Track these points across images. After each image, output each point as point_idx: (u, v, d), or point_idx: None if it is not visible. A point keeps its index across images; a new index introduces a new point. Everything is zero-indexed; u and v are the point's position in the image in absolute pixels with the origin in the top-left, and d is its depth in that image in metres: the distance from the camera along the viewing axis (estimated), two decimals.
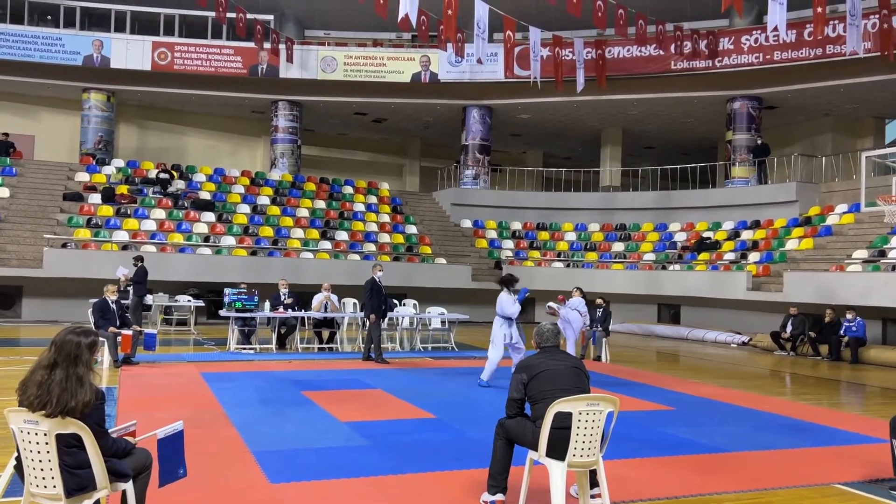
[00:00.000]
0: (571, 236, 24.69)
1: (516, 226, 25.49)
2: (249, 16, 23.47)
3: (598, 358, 13.62)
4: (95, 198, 21.04)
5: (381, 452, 6.23)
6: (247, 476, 5.40)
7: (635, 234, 24.10)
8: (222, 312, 13.14)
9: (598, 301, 14.20)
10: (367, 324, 12.32)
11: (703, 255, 21.17)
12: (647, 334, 20.24)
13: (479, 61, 22.46)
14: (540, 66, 21.96)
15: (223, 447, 6.23)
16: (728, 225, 22.65)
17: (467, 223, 25.16)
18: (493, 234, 24.81)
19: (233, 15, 22.86)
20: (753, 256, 20.02)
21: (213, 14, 23.12)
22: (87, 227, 19.58)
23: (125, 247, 18.69)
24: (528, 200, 26.04)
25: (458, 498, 5.09)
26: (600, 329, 13.74)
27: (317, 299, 13.77)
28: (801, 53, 21.69)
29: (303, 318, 13.67)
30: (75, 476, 3.47)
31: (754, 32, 22.50)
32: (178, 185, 22.89)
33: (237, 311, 12.85)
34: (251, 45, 24.42)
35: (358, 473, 5.58)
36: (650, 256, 22.48)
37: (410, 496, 5.14)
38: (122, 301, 14.87)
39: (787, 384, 12.12)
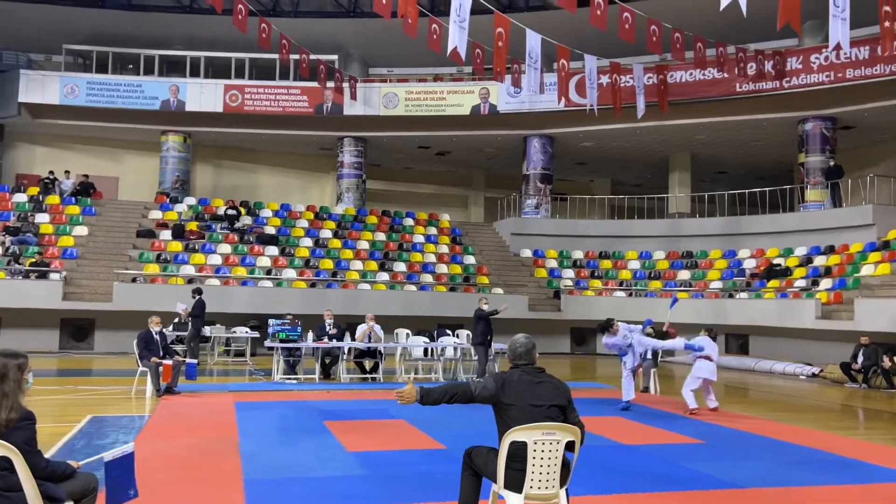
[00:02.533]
0: (635, 264, 24.11)
1: (578, 255, 25.11)
2: (313, 57, 24.26)
3: (646, 389, 13.17)
4: (166, 234, 22.03)
5: (375, 483, 6.19)
6: (225, 503, 5.46)
7: (702, 262, 23.32)
8: (267, 343, 13.44)
9: (648, 330, 13.75)
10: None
11: (773, 283, 20.25)
12: None
13: (541, 90, 22.41)
14: (597, 94, 21.73)
15: (218, 474, 6.32)
16: (801, 251, 21.62)
17: (527, 253, 24.96)
18: (553, 264, 24.51)
19: (296, 56, 23.68)
20: (825, 283, 19.01)
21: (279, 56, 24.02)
22: (156, 262, 20.50)
23: (190, 280, 19.44)
24: (591, 229, 25.63)
25: None
26: (649, 359, 13.29)
27: (360, 329, 13.90)
28: (876, 70, 20.75)
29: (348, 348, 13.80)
30: (7, 499, 3.59)
31: (824, 51, 21.63)
32: (245, 220, 23.70)
33: (281, 341, 13.11)
34: (316, 84, 25.22)
35: (339, 503, 5.55)
36: (717, 284, 21.68)
37: None
38: (179, 333, 15.51)
39: (851, 418, 11.38)
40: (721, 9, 15.40)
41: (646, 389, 13.18)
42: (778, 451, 8.08)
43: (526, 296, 21.67)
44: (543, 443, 4.36)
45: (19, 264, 18.36)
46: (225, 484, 5.98)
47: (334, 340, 13.70)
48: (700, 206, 28.43)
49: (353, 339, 14.25)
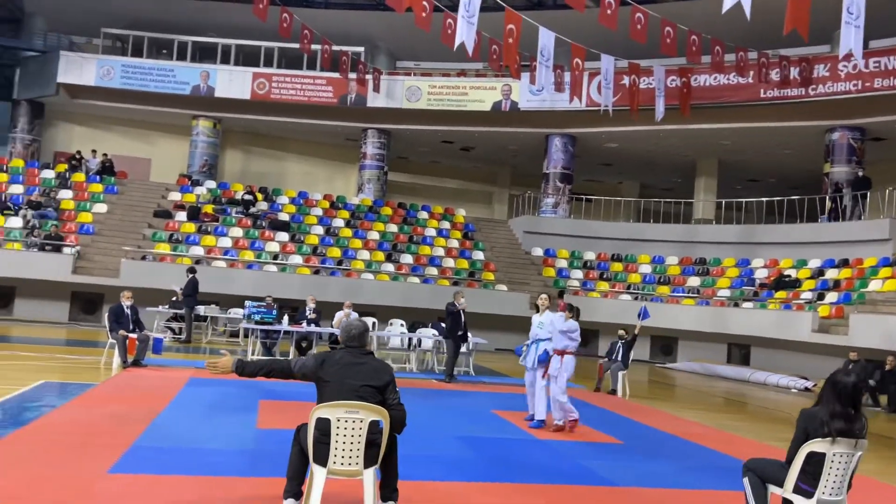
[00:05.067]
0: (647, 268, 23.81)
1: (590, 256, 24.90)
2: (336, 47, 24.60)
3: (613, 391, 13.08)
4: (182, 215, 22.70)
5: (251, 457, 6.42)
6: (92, 465, 5.71)
7: (714, 270, 22.89)
8: (242, 325, 13.81)
9: (620, 332, 13.71)
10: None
11: (780, 294, 19.79)
12: (709, 374, 19.12)
13: (559, 89, 22.44)
14: (612, 94, 21.54)
15: (109, 440, 6.60)
16: (814, 263, 21.04)
17: (539, 251, 24.88)
18: (563, 264, 24.38)
19: (318, 47, 24.06)
20: (831, 297, 18.49)
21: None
22: (168, 241, 21.16)
23: (198, 261, 20.01)
24: (607, 231, 25.33)
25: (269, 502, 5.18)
26: (618, 361, 13.23)
27: (337, 316, 14.17)
28: None
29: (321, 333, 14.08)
30: None
31: (852, 59, 20.96)
32: (261, 206, 24.25)
33: (256, 323, 13.46)
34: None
35: (200, 472, 5.79)
36: (725, 293, 21.28)
37: (212, 495, 5.28)
38: (176, 311, 16.05)
39: None
40: (723, 11, 15.16)
41: (613, 392, 13.10)
42: (690, 455, 8.02)
43: (528, 294, 21.63)
44: (346, 420, 4.51)
45: (35, 237, 19.22)
46: (107, 448, 6.25)
47: (312, 325, 14.00)
48: (727, 214, 27.91)
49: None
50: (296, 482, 4.93)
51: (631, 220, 28.43)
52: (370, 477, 4.61)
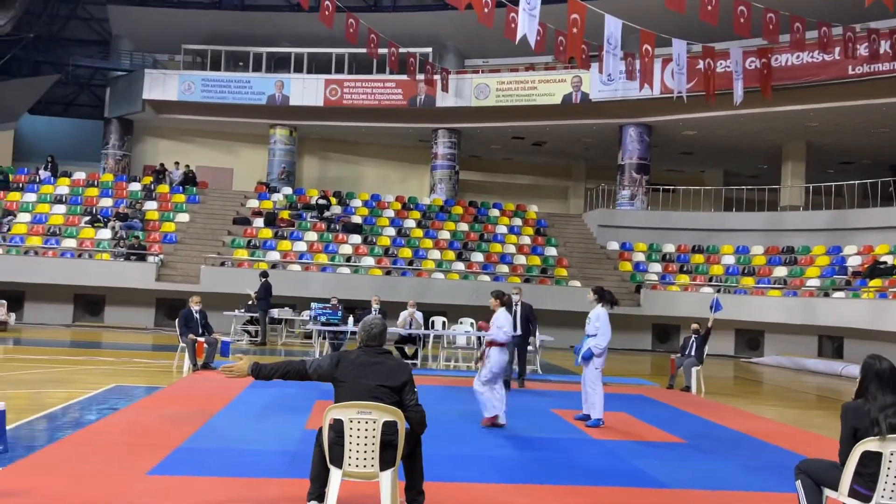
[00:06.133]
0: (730, 259, 22.82)
1: (669, 248, 24.07)
2: (403, 49, 24.71)
3: (687, 388, 12.54)
4: (260, 222, 23.31)
5: (291, 458, 6.42)
6: (135, 467, 5.84)
7: (803, 258, 21.71)
8: (309, 326, 14.00)
9: (694, 326, 13.12)
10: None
11: (875, 282, 18.56)
12: (797, 369, 18.14)
13: (630, 77, 21.78)
14: (686, 80, 20.75)
15: (158, 440, 6.75)
16: None
17: (614, 245, 24.25)
18: (640, 257, 23.66)
19: (385, 50, 24.22)
20: None
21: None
22: (246, 248, 21.76)
23: (274, 265, 20.49)
24: (686, 221, 24.41)
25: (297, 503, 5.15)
26: (692, 357, 12.68)
27: (402, 316, 14.18)
28: None
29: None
30: None
31: None
32: (335, 209, 24.63)
33: (322, 325, 13.63)
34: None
35: (236, 473, 5.83)
36: (815, 283, 20.14)
37: (241, 496, 5.29)
38: (252, 315, 16.43)
39: None
40: None
41: (686, 389, 12.56)
42: (757, 455, 7.55)
43: None
44: (359, 421, 4.41)
45: (121, 247, 20.14)
46: (154, 450, 6.38)
47: None
48: (816, 199, 26.39)
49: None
50: (318, 484, 4.86)
51: (713, 209, 27.33)
52: (387, 480, 4.49)
